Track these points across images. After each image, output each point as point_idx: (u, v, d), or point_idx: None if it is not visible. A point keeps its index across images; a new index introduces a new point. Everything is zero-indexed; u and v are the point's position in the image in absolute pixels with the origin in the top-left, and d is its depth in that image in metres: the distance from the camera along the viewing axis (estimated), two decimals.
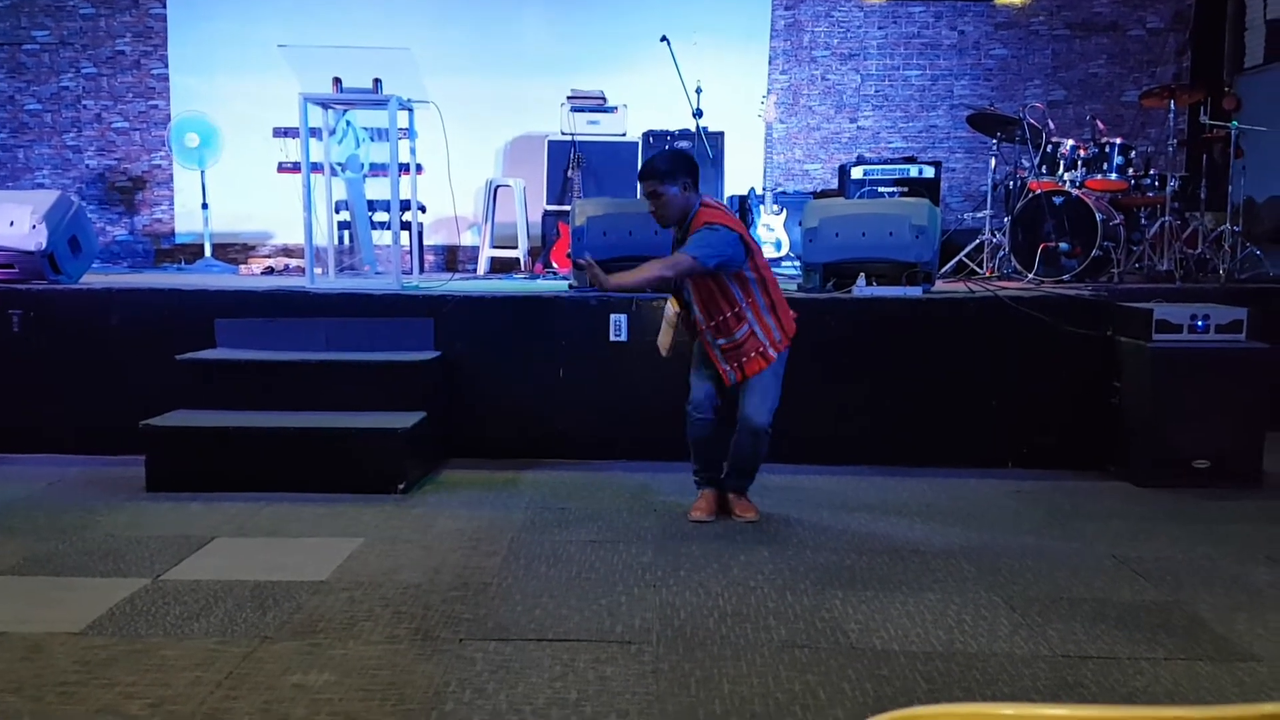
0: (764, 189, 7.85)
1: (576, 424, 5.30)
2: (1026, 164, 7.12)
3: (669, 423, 4.72)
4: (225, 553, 3.75)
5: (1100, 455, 5.08)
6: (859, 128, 9.15)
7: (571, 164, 7.87)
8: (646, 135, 8.08)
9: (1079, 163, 6.86)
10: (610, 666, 2.76)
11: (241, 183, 8.73)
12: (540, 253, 8.13)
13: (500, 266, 8.30)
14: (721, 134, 7.94)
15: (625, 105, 8.18)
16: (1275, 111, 7.74)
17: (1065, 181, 6.73)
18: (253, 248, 9.08)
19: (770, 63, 9.04)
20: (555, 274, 7.46)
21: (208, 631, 2.99)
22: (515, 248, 8.27)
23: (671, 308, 4.33)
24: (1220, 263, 6.76)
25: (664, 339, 4.42)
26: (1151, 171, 7.15)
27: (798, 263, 5.71)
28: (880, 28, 9.05)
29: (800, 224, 5.69)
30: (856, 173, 8.04)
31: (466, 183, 8.41)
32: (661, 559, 3.69)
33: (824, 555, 3.75)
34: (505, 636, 2.96)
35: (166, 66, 9.02)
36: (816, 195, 8.14)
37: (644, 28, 8.23)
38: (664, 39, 6.85)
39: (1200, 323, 4.74)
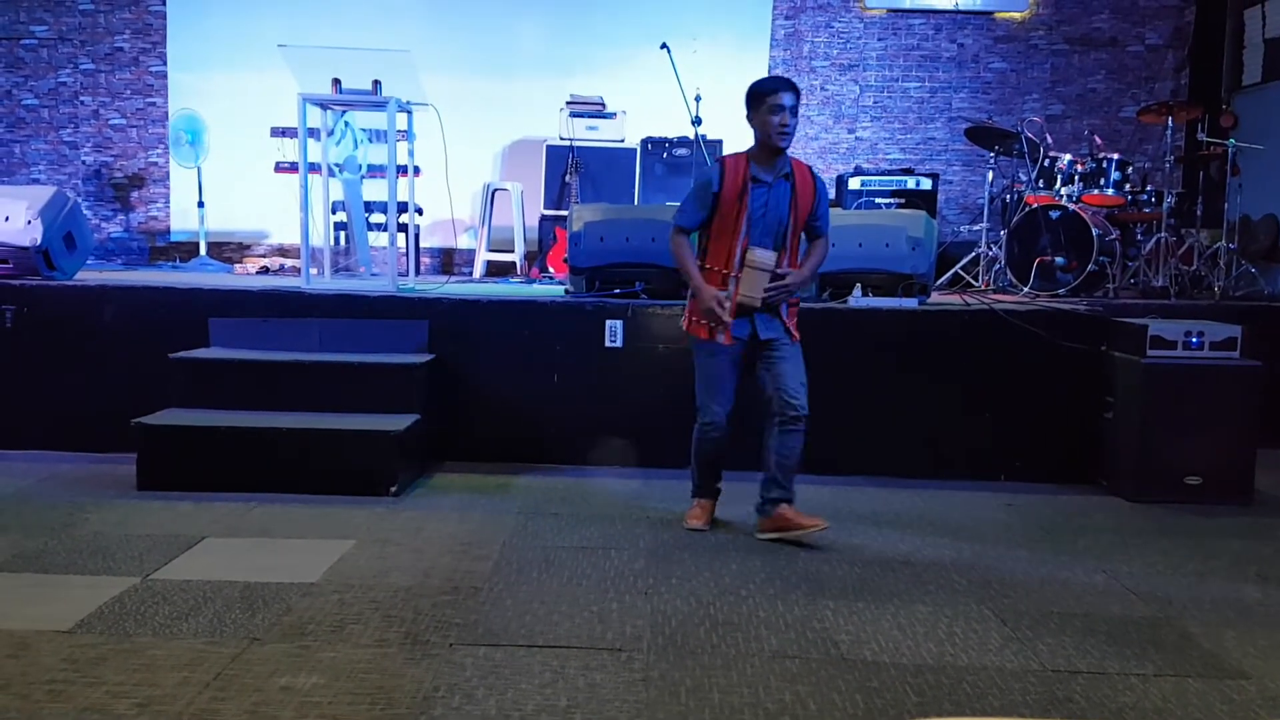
0: None
1: (570, 429, 5.29)
2: (1024, 178, 7.14)
3: (663, 429, 4.73)
4: (215, 553, 3.74)
5: (1093, 470, 5.09)
6: (857, 138, 9.17)
7: (569, 169, 7.89)
8: (645, 142, 8.09)
9: (1076, 177, 6.89)
10: (600, 674, 2.75)
11: (238, 182, 8.73)
12: (536, 257, 8.13)
13: (496, 270, 8.30)
14: (720, 142, 7.94)
15: (624, 111, 8.19)
16: (1272, 129, 7.78)
17: (1062, 196, 6.76)
18: (248, 247, 9.07)
19: (770, 72, 9.06)
20: (551, 278, 7.46)
21: (196, 632, 2.98)
22: (512, 251, 8.27)
23: (765, 254, 3.88)
24: (1215, 280, 6.78)
25: (757, 290, 3.88)
26: (1148, 187, 7.19)
27: None
28: (880, 39, 9.08)
29: None
30: (854, 183, 8.06)
31: (464, 186, 8.43)
32: (654, 566, 3.68)
33: (816, 565, 3.75)
34: (495, 642, 2.95)
35: (165, 64, 9.01)
36: None
37: (644, 34, 8.24)
38: (664, 46, 6.85)
39: (1194, 339, 4.74)
